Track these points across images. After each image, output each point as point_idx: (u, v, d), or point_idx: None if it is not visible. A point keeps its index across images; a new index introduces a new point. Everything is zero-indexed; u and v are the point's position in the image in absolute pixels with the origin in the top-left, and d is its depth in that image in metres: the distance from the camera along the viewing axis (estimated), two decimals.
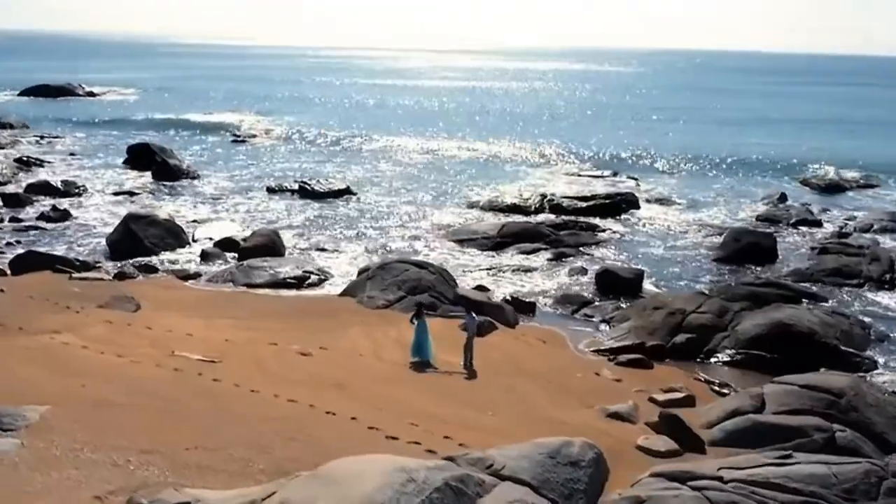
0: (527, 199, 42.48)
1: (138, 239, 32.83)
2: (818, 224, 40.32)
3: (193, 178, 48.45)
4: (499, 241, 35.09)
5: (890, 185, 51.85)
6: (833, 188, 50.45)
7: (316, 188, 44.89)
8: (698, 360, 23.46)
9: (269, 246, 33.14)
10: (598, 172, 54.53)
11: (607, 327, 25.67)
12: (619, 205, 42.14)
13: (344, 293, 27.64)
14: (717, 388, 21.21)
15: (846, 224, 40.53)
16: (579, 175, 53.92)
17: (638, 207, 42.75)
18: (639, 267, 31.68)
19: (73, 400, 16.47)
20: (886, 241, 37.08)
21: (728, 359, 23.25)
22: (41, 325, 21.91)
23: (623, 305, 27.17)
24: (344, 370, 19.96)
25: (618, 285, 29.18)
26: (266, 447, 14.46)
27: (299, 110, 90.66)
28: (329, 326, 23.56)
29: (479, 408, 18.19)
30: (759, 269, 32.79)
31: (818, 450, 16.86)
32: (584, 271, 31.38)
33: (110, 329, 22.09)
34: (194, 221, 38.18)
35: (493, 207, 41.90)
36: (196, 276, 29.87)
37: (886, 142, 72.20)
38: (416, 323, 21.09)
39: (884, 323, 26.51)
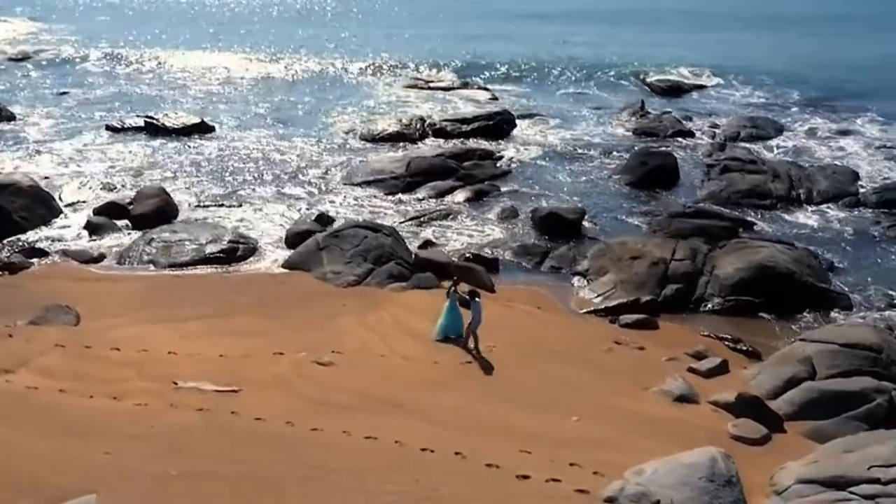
0: (408, 126, 40.26)
1: (5, 213, 27.66)
2: (691, 134, 41.49)
3: (8, 119, 41.52)
4: (409, 182, 33.03)
5: (732, 84, 54.15)
6: (676, 90, 52.07)
7: (167, 124, 39.94)
8: (688, 310, 23.49)
9: (164, 209, 29.24)
10: (449, 83, 52.75)
11: (581, 281, 24.99)
12: (501, 125, 41.09)
13: (291, 266, 24.93)
14: (731, 343, 21.28)
15: (714, 133, 42.00)
16: (430, 87, 51.91)
17: (515, 126, 41.90)
18: (567, 201, 31.12)
19: (114, 479, 13.57)
20: (761, 151, 38.87)
21: (718, 307, 23.41)
22: None
23: (584, 252, 26.56)
24: (380, 381, 17.92)
25: (562, 227, 28.48)
26: None
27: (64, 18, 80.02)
28: (315, 319, 21.10)
29: (556, 411, 16.98)
30: (667, 192, 33.31)
31: (885, 414, 17.41)
32: (515, 212, 30.32)
33: (69, 357, 18.43)
34: (46, 179, 32.74)
35: (375, 138, 39.35)
36: (100, 257, 25.71)
37: (721, 35, 73.50)
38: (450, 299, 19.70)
39: (821, 246, 27.77)
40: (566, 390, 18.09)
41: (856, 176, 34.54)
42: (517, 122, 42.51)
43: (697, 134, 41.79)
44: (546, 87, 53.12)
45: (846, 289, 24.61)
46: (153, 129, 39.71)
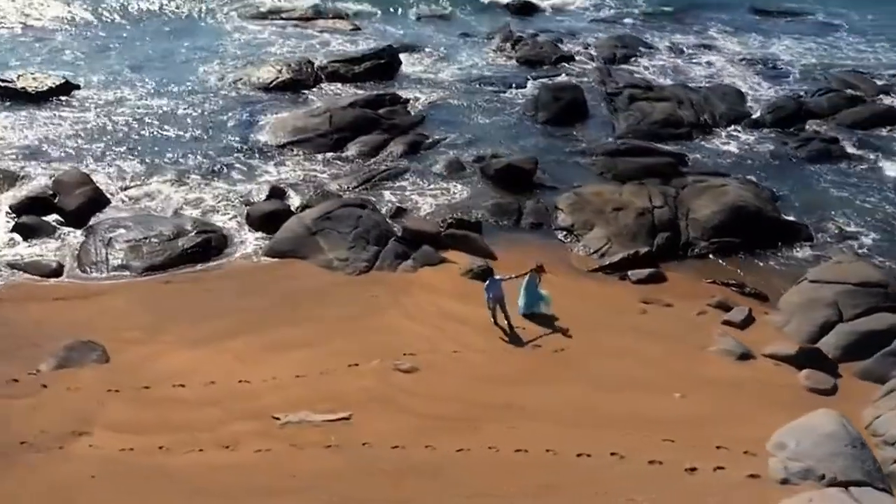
0: (298, 71, 38.25)
1: None
2: (571, 59, 42.46)
3: None
4: (336, 138, 31.80)
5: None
6: (528, 8, 52.42)
7: (27, 87, 35.46)
8: (678, 258, 24.86)
9: (95, 198, 26.58)
10: (301, 12, 49.94)
11: (570, 237, 25.61)
12: (391, 63, 40.06)
13: (279, 255, 23.66)
14: (737, 289, 22.91)
15: (592, 56, 43.26)
16: (282, 18, 49.04)
17: (401, 63, 40.99)
18: (511, 149, 31.35)
19: None
20: (644, 74, 40.66)
21: (705, 251, 24.96)
22: (29, 426, 15.85)
23: (552, 204, 27.16)
24: (474, 382, 17.91)
25: (519, 178, 28.82)
26: None
27: None
28: (354, 317, 20.44)
29: (649, 390, 17.78)
30: (583, 127, 34.28)
31: None
32: (461, 165, 30.19)
33: (134, 403, 16.88)
34: None
35: (268, 87, 37.12)
36: (60, 268, 23.06)
37: None
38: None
39: (753, 174, 29.97)
40: (638, 364, 18.91)
41: (742, 95, 37.14)
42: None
43: (577, 58, 42.86)
44: (393, 8, 51.38)
45: (800, 218, 26.92)
46: (12, 94, 35.00)
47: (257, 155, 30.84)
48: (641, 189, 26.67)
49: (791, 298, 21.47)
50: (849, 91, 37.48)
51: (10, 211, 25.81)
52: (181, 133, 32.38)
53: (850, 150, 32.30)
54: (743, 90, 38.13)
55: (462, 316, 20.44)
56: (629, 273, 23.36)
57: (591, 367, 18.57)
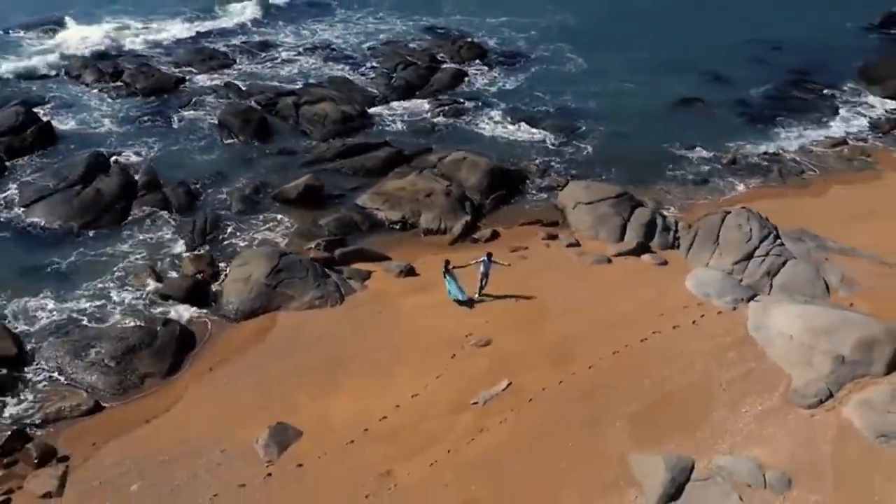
0: None
1: None
2: (183, 80, 45.99)
3: None
4: None
5: None
6: None
7: None
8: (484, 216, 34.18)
9: None
10: None
11: (404, 227, 32.77)
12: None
13: (253, 314, 26.75)
14: (539, 223, 33.40)
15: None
16: None
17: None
18: None
19: None
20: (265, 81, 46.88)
21: (490, 207, 34.74)
22: None
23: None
24: (537, 321, 25.84)
25: (316, 195, 34.48)
26: None
27: None
28: (388, 333, 25.79)
29: (601, 301, 27.47)
30: (283, 140, 39.92)
31: None
32: (252, 198, 34.47)
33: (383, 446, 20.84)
34: None
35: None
36: None
37: None
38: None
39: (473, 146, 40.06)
40: (576, 290, 28.52)
41: (352, 82, 46.43)
42: None
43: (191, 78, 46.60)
44: None
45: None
46: None
47: None
48: (427, 175, 34.93)
49: (582, 217, 32.67)
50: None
51: None
52: None
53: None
54: (350, 77, 47.29)
55: (441, 300, 27.18)
56: (475, 236, 32.06)
57: (556, 300, 27.48)
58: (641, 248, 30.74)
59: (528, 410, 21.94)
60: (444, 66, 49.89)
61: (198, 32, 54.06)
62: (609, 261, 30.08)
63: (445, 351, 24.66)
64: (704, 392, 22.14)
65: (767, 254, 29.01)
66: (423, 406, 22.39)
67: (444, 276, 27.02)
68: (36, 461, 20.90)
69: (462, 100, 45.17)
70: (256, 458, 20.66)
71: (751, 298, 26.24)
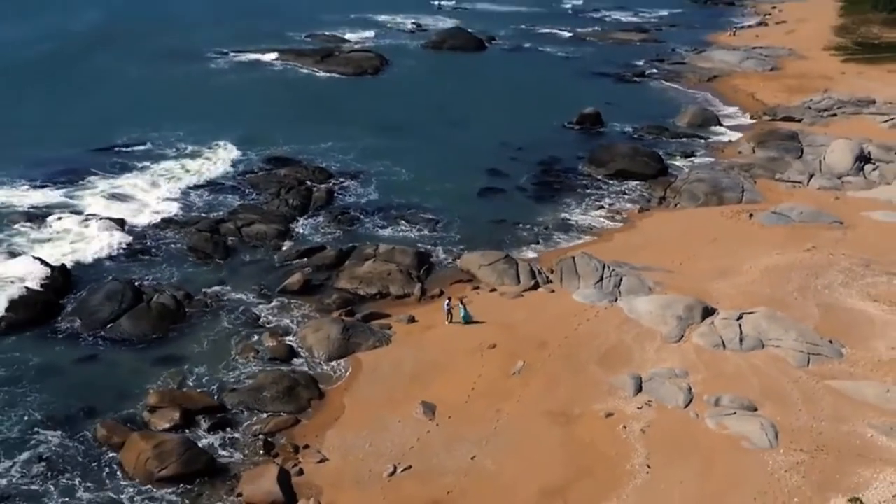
0: None
1: None
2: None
3: None
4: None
5: None
6: None
7: None
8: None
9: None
10: None
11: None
12: None
13: (345, 354, 41.79)
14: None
15: None
16: None
17: None
18: None
19: None
20: None
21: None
22: None
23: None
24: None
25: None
26: None
27: None
28: (457, 370, 42.24)
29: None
30: None
31: None
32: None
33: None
34: None
35: None
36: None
37: None
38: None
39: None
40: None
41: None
42: None
43: None
44: None
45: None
46: None
47: None
48: (379, 261, 51.27)
49: (488, 273, 51.19)
50: None
51: None
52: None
53: None
54: (251, 203, 62.13)
55: (447, 331, 44.05)
56: (430, 294, 49.21)
57: (511, 318, 45.52)
58: (535, 285, 49.77)
59: (543, 371, 39.74)
60: (315, 186, 65.64)
61: None
62: (521, 295, 48.70)
63: (474, 355, 41.60)
64: (626, 345, 41.51)
65: (610, 275, 49.30)
66: (488, 381, 39.24)
67: (447, 306, 43.92)
68: (291, 450, 34.74)
69: (350, 211, 61.70)
70: (422, 420, 36.28)
71: (615, 300, 46.23)
